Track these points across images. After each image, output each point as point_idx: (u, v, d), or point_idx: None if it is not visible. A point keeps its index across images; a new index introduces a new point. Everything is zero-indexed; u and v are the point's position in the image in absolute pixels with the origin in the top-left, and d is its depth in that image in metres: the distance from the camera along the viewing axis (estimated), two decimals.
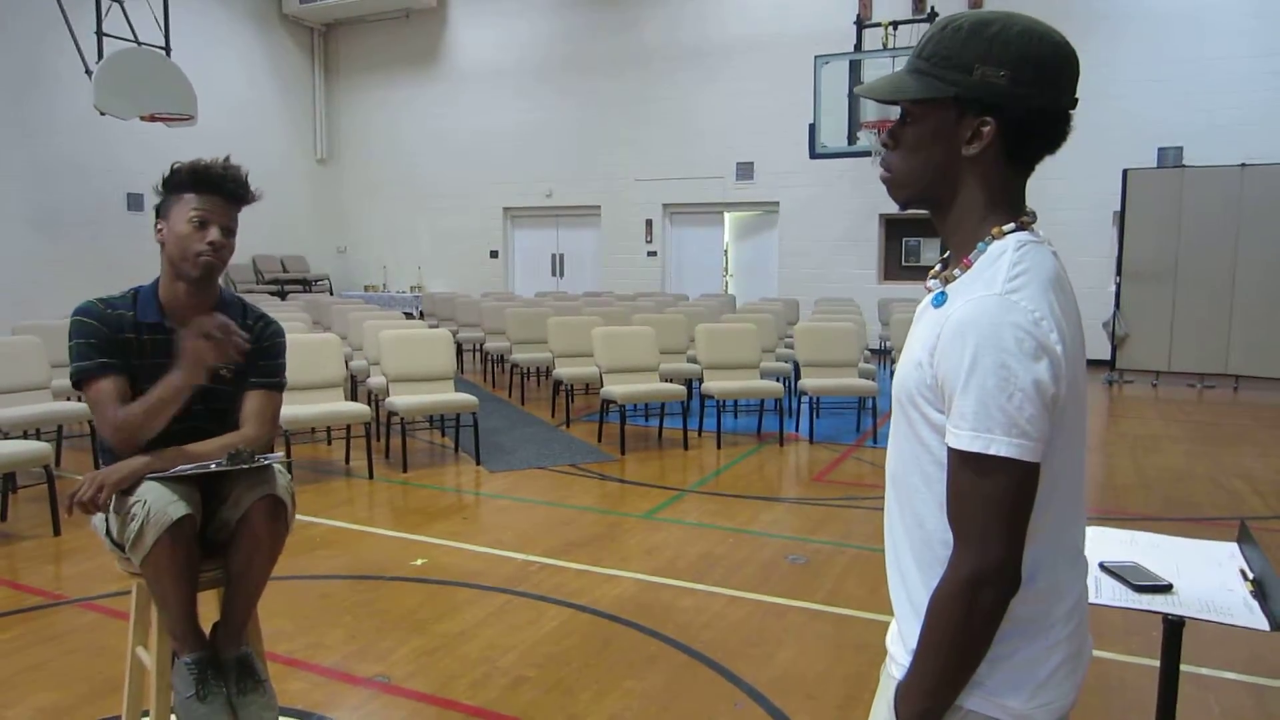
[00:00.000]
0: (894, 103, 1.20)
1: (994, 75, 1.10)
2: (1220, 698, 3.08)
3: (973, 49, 1.11)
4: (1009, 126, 1.12)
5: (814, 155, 12.46)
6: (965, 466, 1.07)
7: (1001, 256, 1.12)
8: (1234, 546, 1.95)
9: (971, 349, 1.05)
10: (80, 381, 2.32)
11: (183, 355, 2.26)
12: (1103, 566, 1.80)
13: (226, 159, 2.43)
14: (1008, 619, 1.09)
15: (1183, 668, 1.90)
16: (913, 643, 1.16)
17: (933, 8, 12.28)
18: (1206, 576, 1.78)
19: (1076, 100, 1.15)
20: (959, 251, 1.18)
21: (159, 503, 2.15)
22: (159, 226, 2.39)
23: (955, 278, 1.15)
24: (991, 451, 1.04)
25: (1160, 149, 11.73)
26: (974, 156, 1.14)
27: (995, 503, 1.06)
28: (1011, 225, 1.15)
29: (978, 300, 1.08)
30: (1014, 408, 1.03)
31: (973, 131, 1.13)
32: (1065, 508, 1.16)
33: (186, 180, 2.34)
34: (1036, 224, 1.18)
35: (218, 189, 2.36)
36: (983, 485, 1.06)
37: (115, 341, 2.32)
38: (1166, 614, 1.66)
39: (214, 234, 2.34)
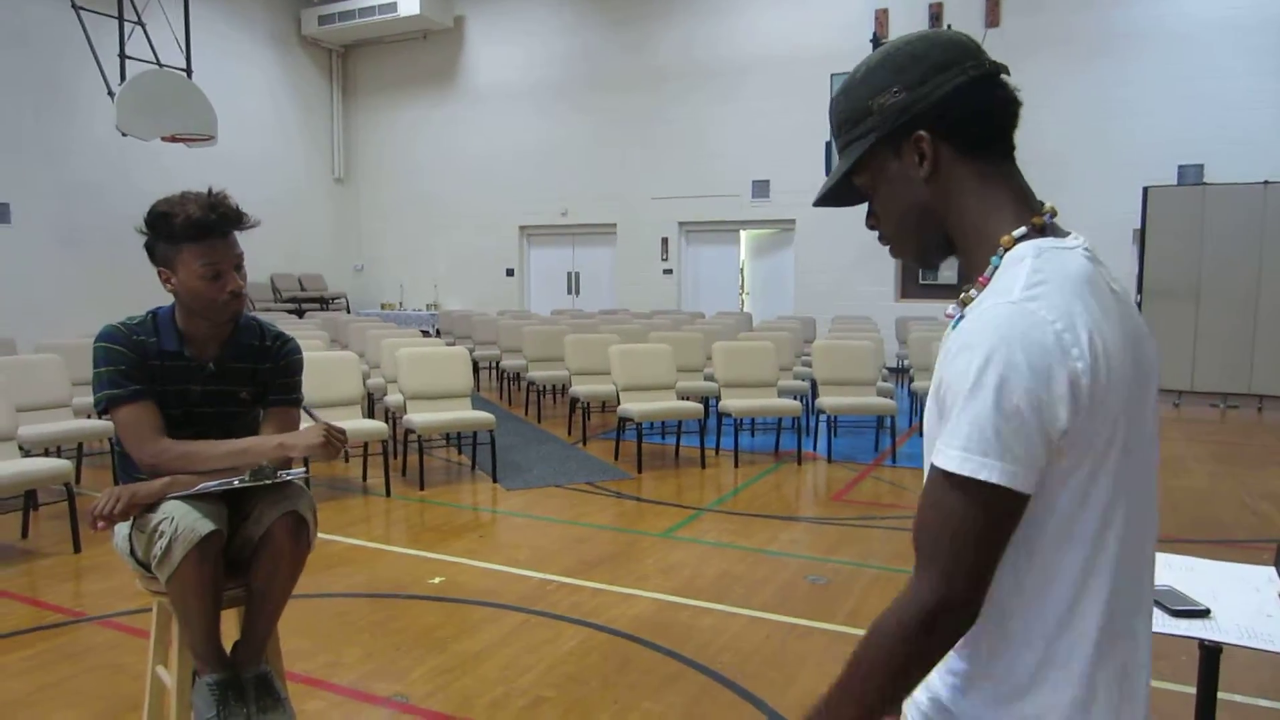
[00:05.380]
0: (843, 187, 1.19)
1: (890, 96, 1.09)
2: None
3: (859, 95, 1.12)
4: (939, 126, 1.08)
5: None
6: (947, 487, 0.97)
7: (1020, 263, 1.01)
8: (1271, 571, 1.91)
9: (976, 362, 0.95)
10: (110, 407, 2.30)
11: (300, 436, 2.35)
12: None
13: (210, 191, 2.31)
14: None
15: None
16: (933, 678, 1.11)
17: (949, 26, 12.30)
18: (1244, 601, 1.74)
19: (994, 65, 1.09)
20: (974, 272, 1.09)
21: (186, 519, 2.15)
22: (165, 275, 2.32)
23: (973, 299, 1.06)
24: (981, 476, 0.94)
25: (1180, 166, 11.66)
26: (933, 175, 1.10)
27: (975, 531, 0.96)
28: (1022, 230, 1.05)
29: (989, 309, 0.98)
30: (1010, 430, 0.93)
31: (916, 155, 1.10)
32: (1113, 593, 1.01)
33: (182, 233, 2.24)
34: (1057, 220, 1.09)
35: (218, 231, 2.28)
36: (960, 509, 0.96)
37: (144, 368, 2.32)
38: (1204, 640, 1.62)
39: (232, 283, 2.31)
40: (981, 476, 0.94)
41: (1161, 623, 1.64)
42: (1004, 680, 1.04)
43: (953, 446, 0.96)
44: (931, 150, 1.08)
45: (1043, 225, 1.06)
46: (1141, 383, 1.03)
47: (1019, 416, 0.93)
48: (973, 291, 1.07)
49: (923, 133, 1.08)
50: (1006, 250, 1.05)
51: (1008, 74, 1.10)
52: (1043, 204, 1.10)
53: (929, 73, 1.07)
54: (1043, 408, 0.94)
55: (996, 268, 1.05)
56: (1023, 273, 0.99)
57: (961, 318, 1.05)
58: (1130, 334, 1.03)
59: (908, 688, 1.03)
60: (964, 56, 1.08)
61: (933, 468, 1.00)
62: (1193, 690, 1.83)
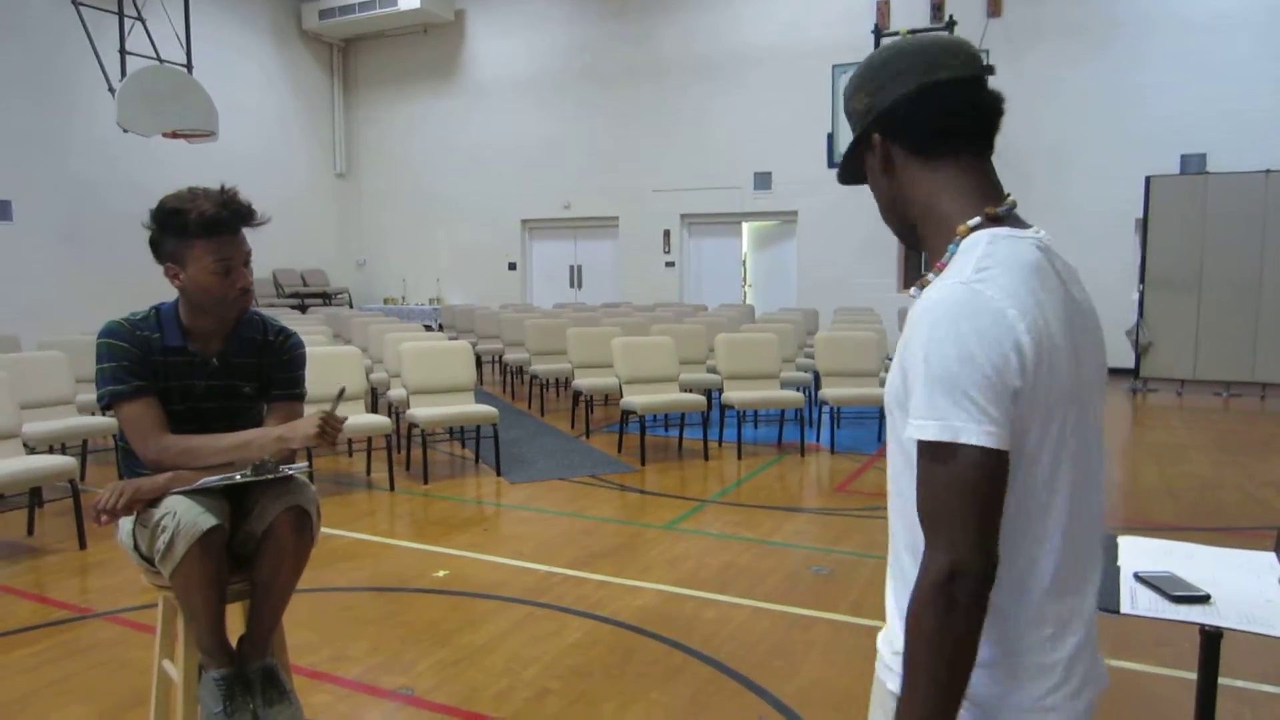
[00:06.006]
0: (858, 169, 1.30)
1: (860, 101, 1.22)
2: (1258, 711, 3.02)
3: (848, 97, 1.24)
4: (891, 129, 1.19)
5: (832, 164, 12.45)
6: (931, 457, 1.03)
7: (973, 249, 1.10)
8: (1272, 557, 1.91)
9: (934, 337, 1.03)
10: (113, 403, 2.30)
11: (297, 427, 2.34)
12: (1138, 577, 1.77)
13: (222, 188, 2.30)
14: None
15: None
16: (899, 644, 1.12)
17: (951, 16, 12.26)
18: (1245, 587, 1.74)
19: (958, 70, 1.16)
20: (934, 258, 1.17)
21: (189, 514, 2.16)
22: (173, 271, 2.31)
23: (929, 282, 1.13)
24: (961, 440, 1.00)
25: (1183, 155, 11.62)
26: (887, 171, 1.21)
27: (967, 492, 1.01)
28: (976, 220, 1.13)
29: (942, 288, 1.07)
30: (976, 392, 1.00)
31: (878, 152, 1.22)
32: (1060, 545, 1.10)
33: (195, 229, 2.24)
34: (1015, 210, 1.16)
35: (229, 228, 2.28)
36: (950, 475, 1.02)
37: (146, 364, 2.33)
38: (1204, 625, 1.63)
39: (242, 278, 2.32)
40: (960, 440, 1.01)
41: (1162, 608, 1.64)
42: None
43: (922, 417, 1.04)
44: (882, 150, 1.21)
45: (997, 216, 1.14)
46: (1081, 360, 1.10)
47: (979, 379, 1.01)
48: (930, 275, 1.14)
49: (876, 135, 1.20)
50: (962, 239, 1.13)
51: (980, 80, 1.17)
52: (1006, 195, 1.18)
53: (885, 81, 1.18)
54: (999, 372, 1.01)
55: (953, 254, 1.12)
56: (974, 257, 1.08)
57: None
58: (1071, 318, 1.10)
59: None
60: (924, 65, 1.16)
61: (915, 443, 1.06)
62: (1194, 676, 1.83)
